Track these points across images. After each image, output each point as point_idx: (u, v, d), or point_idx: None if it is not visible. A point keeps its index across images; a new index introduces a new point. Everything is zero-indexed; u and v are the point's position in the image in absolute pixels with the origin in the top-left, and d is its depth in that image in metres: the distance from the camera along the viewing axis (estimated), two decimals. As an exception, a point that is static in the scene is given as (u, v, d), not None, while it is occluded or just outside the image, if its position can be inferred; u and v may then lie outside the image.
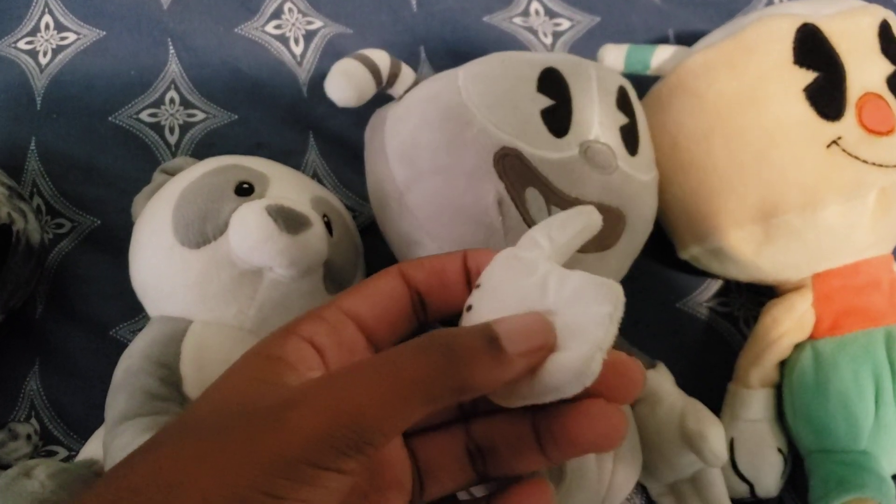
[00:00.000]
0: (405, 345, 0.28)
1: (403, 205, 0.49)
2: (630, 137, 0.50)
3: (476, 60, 0.50)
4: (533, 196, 0.46)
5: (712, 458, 0.48)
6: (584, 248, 0.45)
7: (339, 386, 0.27)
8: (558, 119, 0.47)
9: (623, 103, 0.51)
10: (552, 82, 0.48)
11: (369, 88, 0.50)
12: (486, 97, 0.47)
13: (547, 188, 0.46)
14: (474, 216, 0.46)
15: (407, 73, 0.51)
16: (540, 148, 0.46)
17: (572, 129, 0.47)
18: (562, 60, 0.49)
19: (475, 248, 0.35)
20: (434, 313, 0.35)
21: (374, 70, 0.50)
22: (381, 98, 0.52)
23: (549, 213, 0.46)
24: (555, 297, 0.30)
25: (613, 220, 0.48)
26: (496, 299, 0.32)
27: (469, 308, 0.33)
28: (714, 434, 0.48)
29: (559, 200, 0.46)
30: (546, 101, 0.47)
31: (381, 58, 0.50)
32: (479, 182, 0.46)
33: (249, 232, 0.45)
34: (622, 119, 0.50)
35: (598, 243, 0.48)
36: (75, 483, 0.44)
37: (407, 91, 0.51)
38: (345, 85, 0.49)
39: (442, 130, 0.47)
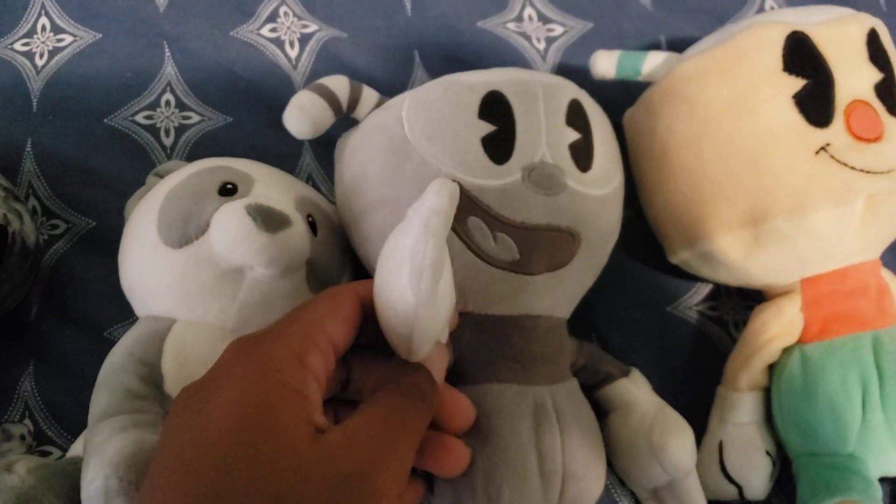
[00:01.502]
0: (394, 403, 0.36)
1: (360, 233, 0.50)
2: (581, 154, 0.49)
3: (423, 87, 0.50)
4: (475, 224, 0.46)
5: (673, 470, 0.49)
6: (534, 270, 0.47)
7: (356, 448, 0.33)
8: (499, 145, 0.47)
9: (574, 118, 0.50)
10: (494, 107, 0.47)
11: (326, 119, 0.50)
12: (426, 128, 0.47)
13: (489, 216, 0.46)
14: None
15: (368, 96, 0.51)
16: (479, 177, 0.46)
17: (515, 153, 0.47)
18: (507, 81, 0.49)
19: None
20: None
21: (331, 100, 0.50)
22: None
23: (495, 241, 0.46)
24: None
25: (564, 240, 0.48)
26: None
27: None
28: (675, 446, 0.49)
29: (503, 227, 0.46)
30: (487, 128, 0.47)
31: (340, 86, 0.50)
32: None
33: (229, 230, 0.45)
34: (572, 135, 0.49)
35: (550, 263, 0.48)
36: (55, 478, 0.44)
37: (368, 114, 0.51)
38: (300, 118, 0.49)
39: (386, 163, 0.48)
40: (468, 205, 0.46)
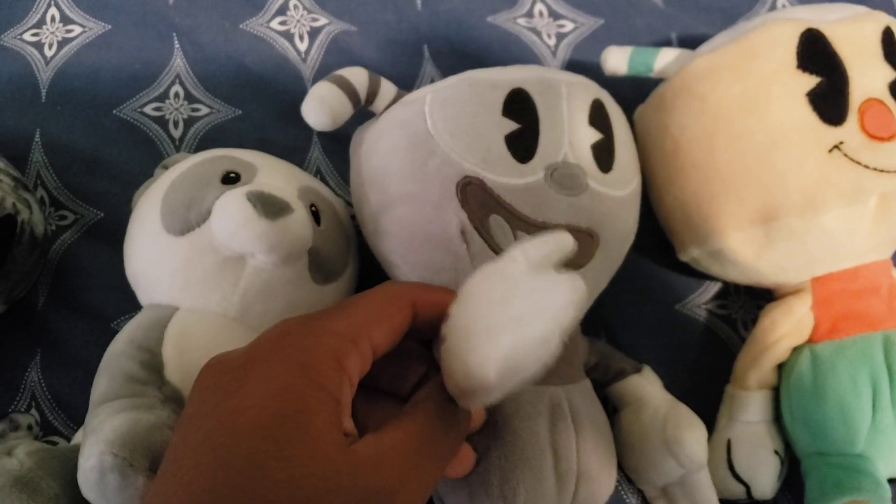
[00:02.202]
0: (431, 427, 0.35)
1: (377, 227, 0.50)
2: (603, 154, 0.49)
3: (446, 81, 0.50)
4: (497, 223, 0.46)
5: (688, 463, 0.49)
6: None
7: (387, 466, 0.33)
8: (523, 143, 0.47)
9: (597, 118, 0.50)
10: (519, 105, 0.48)
11: (345, 111, 0.50)
12: (450, 124, 0.47)
13: (511, 214, 0.46)
14: (442, 243, 0.47)
15: (387, 90, 0.51)
16: (503, 175, 0.46)
17: (538, 152, 0.47)
18: (530, 79, 0.49)
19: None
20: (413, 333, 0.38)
21: (350, 92, 0.49)
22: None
23: (515, 239, 0.46)
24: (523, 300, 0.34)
25: (584, 241, 0.48)
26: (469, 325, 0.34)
27: (444, 339, 0.35)
28: (690, 439, 0.48)
29: (525, 226, 0.46)
30: (511, 126, 0.47)
31: (359, 78, 0.50)
32: (444, 211, 0.46)
33: (229, 217, 0.45)
34: (595, 136, 0.49)
35: (569, 264, 0.47)
36: (54, 461, 0.44)
37: (387, 108, 0.51)
38: (319, 110, 0.49)
39: (409, 159, 0.48)
40: (491, 203, 0.46)
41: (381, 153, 0.49)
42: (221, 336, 0.44)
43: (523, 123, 0.47)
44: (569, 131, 0.48)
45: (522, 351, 0.33)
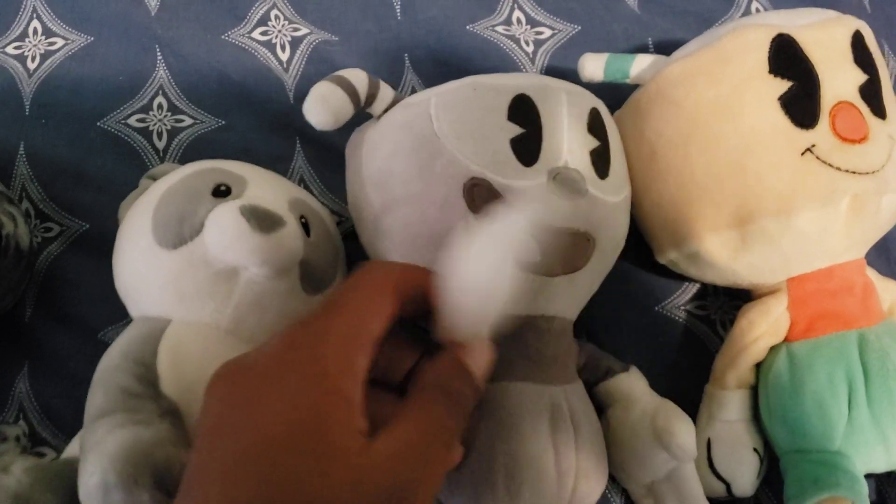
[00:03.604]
0: (438, 414, 0.36)
1: (379, 228, 0.50)
2: (601, 161, 0.50)
3: (449, 86, 0.50)
4: None
5: (680, 453, 0.49)
6: (553, 272, 0.47)
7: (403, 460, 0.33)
8: (528, 147, 0.48)
9: (595, 126, 0.51)
10: (523, 110, 0.48)
11: (346, 111, 0.49)
12: (456, 126, 0.48)
13: None
14: (447, 244, 0.47)
15: (385, 92, 0.51)
16: (509, 177, 0.47)
17: (542, 156, 0.48)
18: (532, 86, 0.49)
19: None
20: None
21: (351, 92, 0.49)
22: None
23: None
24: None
25: (582, 244, 0.48)
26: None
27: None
28: (681, 429, 0.49)
29: None
30: (516, 130, 0.48)
31: (359, 78, 0.50)
32: (450, 212, 0.47)
33: (223, 231, 0.46)
34: (593, 143, 0.50)
35: (567, 266, 0.48)
36: (51, 478, 0.44)
37: (386, 110, 0.51)
38: (321, 109, 0.49)
39: (414, 160, 0.48)
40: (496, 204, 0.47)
41: (383, 154, 0.50)
42: (215, 348, 0.44)
43: (527, 128, 0.48)
44: (569, 138, 0.49)
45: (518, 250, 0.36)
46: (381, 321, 0.36)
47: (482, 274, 0.36)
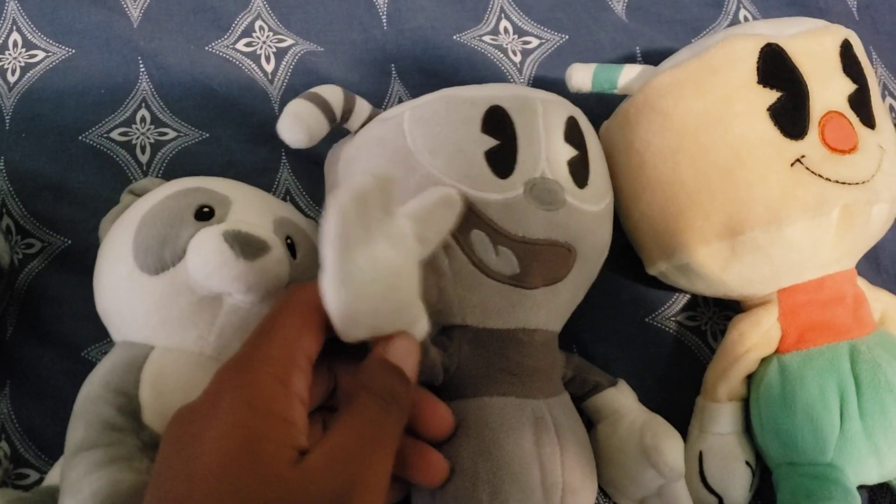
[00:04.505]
0: (369, 415, 0.37)
1: None
2: (579, 170, 0.50)
3: (423, 99, 0.50)
4: (478, 238, 0.46)
5: (668, 472, 0.49)
6: (532, 284, 0.47)
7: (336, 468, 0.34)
8: (503, 159, 0.47)
9: (572, 134, 0.50)
10: (497, 122, 0.48)
11: (321, 128, 0.49)
12: (429, 141, 0.47)
13: (492, 229, 0.46)
14: (424, 259, 0.47)
15: (361, 107, 0.51)
16: (484, 190, 0.46)
17: (517, 168, 0.47)
18: (506, 97, 0.49)
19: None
20: None
21: (325, 109, 0.49)
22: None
23: (496, 254, 0.47)
24: None
25: (562, 255, 0.48)
26: None
27: None
28: (669, 448, 0.49)
29: (505, 240, 0.47)
30: (490, 142, 0.47)
31: (334, 95, 0.50)
32: None
33: (206, 258, 0.44)
34: (570, 152, 0.50)
35: (547, 278, 0.48)
36: None
37: (363, 125, 0.51)
38: (295, 127, 0.48)
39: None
40: (472, 218, 0.46)
41: (359, 170, 0.50)
42: (198, 376, 0.43)
43: (502, 140, 0.48)
44: (546, 148, 0.49)
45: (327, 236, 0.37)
46: (312, 340, 0.38)
47: (330, 270, 0.37)
